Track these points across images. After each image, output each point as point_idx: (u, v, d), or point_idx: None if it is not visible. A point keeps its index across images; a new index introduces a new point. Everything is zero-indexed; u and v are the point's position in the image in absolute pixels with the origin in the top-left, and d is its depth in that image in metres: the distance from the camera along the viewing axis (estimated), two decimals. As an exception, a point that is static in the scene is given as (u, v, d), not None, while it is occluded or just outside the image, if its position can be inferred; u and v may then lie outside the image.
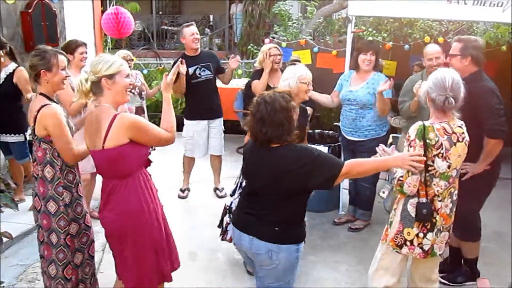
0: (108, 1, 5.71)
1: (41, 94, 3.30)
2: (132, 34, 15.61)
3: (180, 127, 5.91)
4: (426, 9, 5.65)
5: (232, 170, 7.05)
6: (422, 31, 8.02)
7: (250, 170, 3.08)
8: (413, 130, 3.10)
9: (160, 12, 18.64)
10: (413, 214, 3.13)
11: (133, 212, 3.06)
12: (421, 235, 3.14)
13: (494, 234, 5.20)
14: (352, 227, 5.33)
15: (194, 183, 6.48)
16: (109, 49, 9.48)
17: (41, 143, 3.26)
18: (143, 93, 6.22)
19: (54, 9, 6.96)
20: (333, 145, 5.64)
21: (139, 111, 6.07)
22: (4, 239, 2.68)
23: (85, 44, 5.04)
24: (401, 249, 3.20)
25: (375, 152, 4.25)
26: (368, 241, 5.09)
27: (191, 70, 5.74)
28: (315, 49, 7.95)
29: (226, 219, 4.39)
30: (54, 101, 3.35)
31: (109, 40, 9.32)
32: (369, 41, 7.08)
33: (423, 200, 3.10)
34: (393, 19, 8.26)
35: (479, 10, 5.47)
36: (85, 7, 7.02)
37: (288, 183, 2.86)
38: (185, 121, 6.03)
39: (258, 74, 5.55)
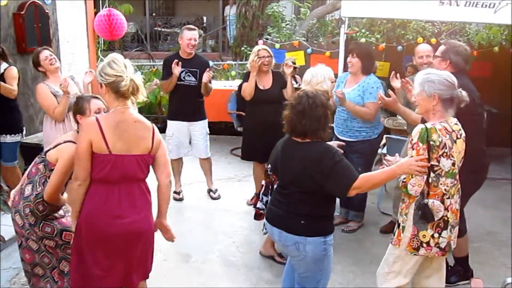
0: (101, 3, 5.69)
1: (77, 131, 3.41)
2: (125, 36, 15.57)
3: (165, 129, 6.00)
4: (418, 10, 5.68)
5: (226, 171, 7.07)
6: (415, 32, 8.06)
7: (282, 164, 3.23)
8: (415, 133, 3.10)
9: (154, 14, 18.58)
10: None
11: (150, 211, 3.17)
12: (436, 235, 3.16)
13: (488, 234, 5.22)
14: (345, 229, 5.33)
15: (187, 185, 6.47)
16: (101, 50, 9.47)
17: (42, 164, 3.35)
18: None
19: (47, 11, 6.93)
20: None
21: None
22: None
23: (45, 49, 4.98)
24: (418, 251, 3.22)
25: (366, 154, 4.28)
26: (362, 242, 5.10)
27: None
28: (309, 51, 7.97)
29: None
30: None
31: (101, 42, 9.30)
32: (358, 43, 7.03)
33: (425, 201, 3.13)
34: (386, 20, 8.29)
35: (471, 11, 5.51)
36: (78, 8, 6.99)
37: (308, 178, 3.03)
38: (168, 121, 6.06)
39: (248, 76, 5.53)
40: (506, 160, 7.70)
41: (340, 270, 4.53)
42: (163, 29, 17.48)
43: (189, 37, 5.69)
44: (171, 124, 6.02)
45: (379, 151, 5.64)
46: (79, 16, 6.78)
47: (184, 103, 5.84)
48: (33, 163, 3.42)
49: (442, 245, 3.18)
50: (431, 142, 3.03)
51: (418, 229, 3.18)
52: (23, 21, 6.40)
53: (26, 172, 3.44)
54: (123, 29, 5.18)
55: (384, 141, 5.48)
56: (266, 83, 5.47)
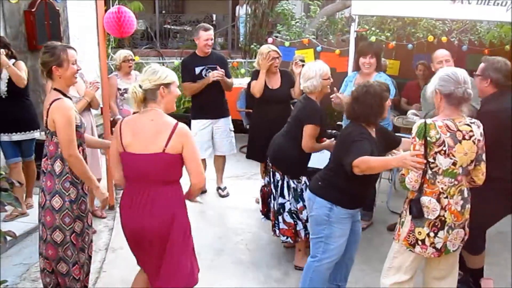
0: (111, 1, 5.70)
1: (55, 89, 3.33)
2: (135, 33, 15.63)
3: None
4: (429, 8, 5.64)
5: (234, 169, 7.06)
6: (426, 30, 8.03)
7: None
8: (414, 128, 3.13)
9: (163, 11, 18.60)
10: (425, 213, 3.14)
11: (179, 216, 3.15)
12: (432, 234, 3.14)
13: (498, 235, 5.17)
14: (355, 227, 5.32)
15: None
16: (111, 48, 9.50)
17: (53, 137, 3.30)
18: None
19: (57, 8, 6.97)
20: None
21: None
22: (8, 238, 2.67)
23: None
24: (414, 248, 3.21)
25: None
26: (371, 241, 5.08)
27: (197, 70, 5.78)
28: (318, 48, 7.94)
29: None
30: (68, 97, 3.38)
31: (112, 39, 9.33)
32: (369, 43, 7.00)
33: (417, 197, 3.15)
34: (396, 18, 8.27)
35: (483, 10, 5.46)
36: (88, 6, 7.03)
37: (337, 150, 3.52)
38: (191, 121, 6.04)
39: (257, 74, 5.55)
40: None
41: (349, 268, 4.52)
42: (172, 27, 17.52)
43: (206, 37, 5.78)
44: (194, 123, 6.03)
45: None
46: (89, 14, 6.82)
47: (209, 99, 5.87)
48: (46, 142, 3.37)
49: (438, 246, 3.16)
50: (428, 138, 3.02)
51: (415, 225, 3.18)
52: (34, 18, 6.44)
53: (44, 155, 3.39)
54: (132, 27, 5.18)
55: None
56: (275, 83, 5.49)
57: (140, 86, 3.05)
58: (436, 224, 3.13)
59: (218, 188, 6.32)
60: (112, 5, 5.23)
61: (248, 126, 6.72)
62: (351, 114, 3.50)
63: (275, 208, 4.49)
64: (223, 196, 6.20)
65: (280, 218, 4.46)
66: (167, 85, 3.09)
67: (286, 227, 4.44)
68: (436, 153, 3.04)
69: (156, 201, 3.05)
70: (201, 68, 5.79)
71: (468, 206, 3.23)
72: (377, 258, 4.67)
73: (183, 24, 17.48)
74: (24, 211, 5.30)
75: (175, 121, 3.08)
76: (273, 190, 4.49)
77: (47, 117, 3.28)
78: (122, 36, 5.45)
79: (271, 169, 4.50)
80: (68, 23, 7.43)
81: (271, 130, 4.74)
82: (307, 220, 4.17)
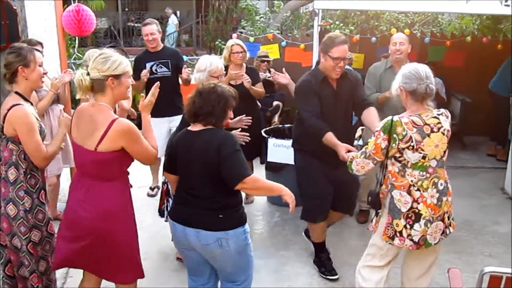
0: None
1: (16, 93, 3.19)
2: (98, 32, 15.43)
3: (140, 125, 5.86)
4: (391, 1, 5.69)
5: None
6: (389, 24, 8.11)
7: (183, 158, 3.10)
8: (381, 123, 3.18)
9: (126, 9, 18.39)
10: (398, 206, 3.17)
11: (114, 212, 2.99)
12: (408, 226, 3.16)
13: (465, 223, 5.26)
14: (324, 221, 5.32)
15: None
16: (74, 47, 9.30)
17: (9, 143, 3.16)
18: None
19: (14, 7, 6.76)
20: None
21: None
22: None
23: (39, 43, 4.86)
24: (393, 241, 3.23)
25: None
26: (341, 235, 5.09)
27: (148, 66, 5.63)
28: (283, 43, 7.94)
29: None
30: (29, 101, 3.26)
31: (76, 39, 9.11)
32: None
33: (374, 190, 3.29)
34: (360, 12, 8.31)
35: (444, 2, 5.54)
36: (47, 5, 6.85)
37: (211, 166, 2.94)
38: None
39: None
40: (481, 148, 7.79)
41: (319, 263, 4.53)
42: (136, 25, 17.31)
43: (145, 33, 5.65)
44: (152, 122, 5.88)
45: (355, 142, 5.62)
46: (48, 13, 6.65)
47: (162, 97, 5.71)
48: (0, 147, 3.22)
49: (415, 238, 3.17)
50: (394, 135, 3.06)
51: (393, 217, 3.20)
52: (-11, 18, 6.24)
53: None
54: (92, 25, 5.06)
55: (359, 132, 5.47)
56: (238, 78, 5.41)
57: (88, 74, 2.86)
58: (410, 215, 3.15)
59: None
60: (72, 4, 5.11)
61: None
62: (191, 109, 3.08)
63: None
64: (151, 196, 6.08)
65: None
66: (117, 76, 2.89)
67: None
68: (403, 149, 3.08)
69: (90, 195, 2.96)
70: (151, 63, 5.63)
71: (445, 198, 3.23)
72: (346, 251, 4.69)
73: (147, 21, 17.26)
74: None
75: (113, 117, 2.88)
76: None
77: (3, 122, 3.14)
78: (81, 35, 5.33)
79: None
80: (26, 23, 7.22)
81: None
82: None
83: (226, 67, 5.44)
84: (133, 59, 5.99)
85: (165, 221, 4.20)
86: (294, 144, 4.45)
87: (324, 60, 3.96)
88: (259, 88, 5.37)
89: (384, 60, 5.24)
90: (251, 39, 8.03)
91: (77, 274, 4.28)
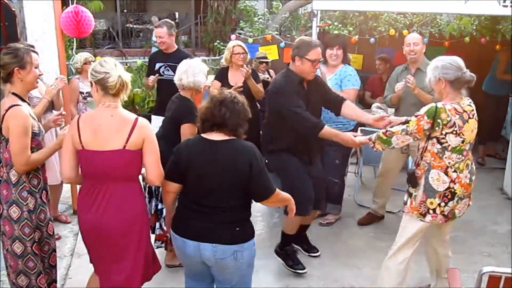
0: (70, 1, 5.55)
1: (13, 94, 3.19)
2: (96, 33, 15.41)
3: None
4: (390, 2, 5.69)
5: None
6: (387, 24, 8.09)
7: (201, 169, 2.96)
8: (425, 108, 3.39)
9: (125, 10, 18.34)
10: (434, 186, 3.42)
11: (140, 214, 3.04)
12: (442, 204, 3.45)
13: (463, 223, 5.25)
14: (323, 222, 5.32)
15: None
16: (73, 49, 9.29)
17: (8, 144, 3.15)
18: None
19: (13, 9, 6.76)
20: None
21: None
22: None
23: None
24: (424, 217, 3.49)
25: (341, 146, 4.29)
26: (340, 235, 5.10)
27: (157, 66, 5.69)
28: (282, 44, 7.95)
29: None
30: (26, 102, 3.25)
31: (75, 40, 9.10)
32: (335, 35, 7.10)
33: (413, 169, 3.54)
34: (358, 12, 8.31)
35: (442, 3, 5.55)
36: (46, 6, 6.84)
37: (241, 181, 2.87)
38: (152, 116, 5.96)
39: (222, 72, 5.52)
40: (476, 148, 7.78)
41: (318, 263, 4.54)
42: (135, 26, 17.29)
43: (156, 35, 5.77)
44: (154, 119, 5.90)
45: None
46: (47, 14, 6.64)
47: (165, 98, 5.76)
48: (0, 149, 3.21)
49: (446, 213, 3.47)
50: (438, 120, 3.30)
51: (427, 196, 3.45)
52: (-12, 20, 6.24)
53: (0, 164, 3.23)
54: (90, 26, 5.06)
55: (359, 133, 5.49)
56: (239, 79, 5.41)
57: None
58: (447, 195, 3.43)
59: None
60: (71, 5, 5.10)
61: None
62: (209, 118, 2.92)
63: (153, 211, 4.26)
64: None
65: (157, 224, 4.27)
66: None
67: (162, 233, 4.29)
68: (447, 133, 3.33)
69: (114, 199, 2.94)
70: (160, 64, 5.69)
71: (474, 177, 3.56)
72: (345, 252, 4.70)
73: (146, 23, 17.26)
74: None
75: (135, 116, 2.98)
76: (154, 192, 4.24)
77: (1, 123, 3.14)
78: (80, 36, 5.33)
79: None
80: (25, 24, 7.22)
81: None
82: None
83: (227, 68, 5.46)
84: (135, 60, 6.14)
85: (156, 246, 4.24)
86: (266, 146, 4.33)
87: (301, 64, 4.05)
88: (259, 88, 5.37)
89: (403, 65, 5.20)
90: (250, 40, 8.04)
91: (76, 275, 4.31)
